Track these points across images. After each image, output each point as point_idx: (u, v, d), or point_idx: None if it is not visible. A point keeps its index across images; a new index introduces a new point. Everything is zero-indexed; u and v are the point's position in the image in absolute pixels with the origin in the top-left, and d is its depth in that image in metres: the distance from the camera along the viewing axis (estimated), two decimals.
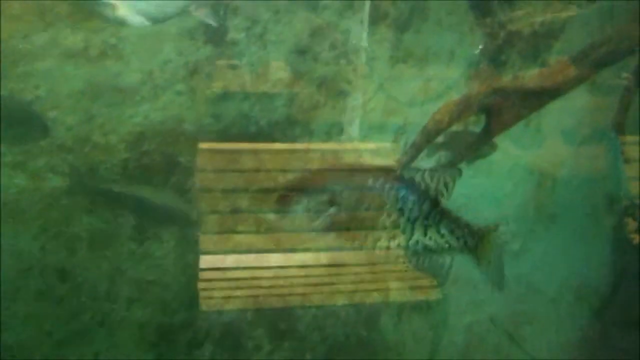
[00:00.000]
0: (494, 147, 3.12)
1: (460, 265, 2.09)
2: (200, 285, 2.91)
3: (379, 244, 2.11)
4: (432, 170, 2.12)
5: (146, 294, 3.27)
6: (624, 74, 3.37)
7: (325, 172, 2.27)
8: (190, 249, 3.23)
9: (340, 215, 2.16)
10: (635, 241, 3.45)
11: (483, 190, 3.46)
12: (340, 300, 3.16)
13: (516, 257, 3.58)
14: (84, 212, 3.13)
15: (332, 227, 2.17)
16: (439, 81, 3.37)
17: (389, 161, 2.68)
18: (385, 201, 2.12)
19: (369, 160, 2.95)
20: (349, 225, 2.17)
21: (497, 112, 2.58)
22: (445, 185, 2.09)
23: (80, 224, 3.14)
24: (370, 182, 2.14)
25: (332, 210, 2.16)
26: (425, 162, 2.72)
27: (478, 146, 2.74)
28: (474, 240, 2.10)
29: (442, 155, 2.92)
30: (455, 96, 2.56)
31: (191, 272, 3.24)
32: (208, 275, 2.98)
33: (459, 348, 3.69)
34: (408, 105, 3.37)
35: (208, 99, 3.15)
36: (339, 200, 2.16)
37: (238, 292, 2.95)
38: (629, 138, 3.45)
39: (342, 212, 2.15)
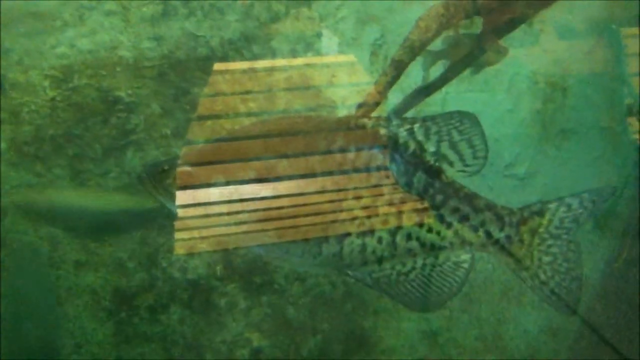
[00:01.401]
0: (504, 52, 2.84)
1: None
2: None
3: (347, 241, 1.61)
4: (428, 121, 1.61)
5: (96, 255, 3.11)
6: None
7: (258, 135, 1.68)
8: (144, 197, 3.03)
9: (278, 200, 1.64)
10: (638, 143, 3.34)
11: (479, 107, 3.22)
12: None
13: (522, 183, 3.38)
14: (9, 166, 2.95)
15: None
16: None
17: (363, 78, 2.32)
18: (349, 176, 1.60)
19: (344, 78, 2.67)
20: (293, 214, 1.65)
21: (496, 13, 2.32)
22: (454, 146, 1.59)
23: (7, 180, 2.96)
24: (325, 146, 1.60)
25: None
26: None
27: (474, 56, 2.47)
28: (504, 232, 1.61)
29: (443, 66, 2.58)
30: None
31: (147, 225, 3.11)
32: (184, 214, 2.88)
33: (461, 290, 3.52)
34: (386, 13, 3.13)
35: (145, 17, 2.94)
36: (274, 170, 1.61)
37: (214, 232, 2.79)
38: (631, 30, 3.26)
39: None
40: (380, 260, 1.63)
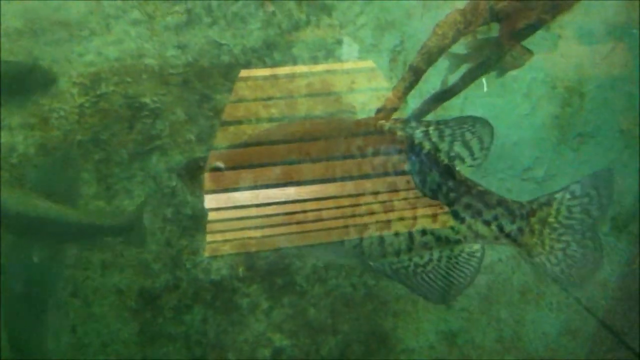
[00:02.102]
0: (529, 55, 2.84)
1: None
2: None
3: (365, 234, 1.68)
4: (442, 124, 1.67)
5: (121, 257, 3.14)
6: None
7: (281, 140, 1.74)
8: (167, 202, 3.07)
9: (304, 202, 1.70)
10: None
11: (496, 111, 3.23)
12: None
13: (540, 185, 3.37)
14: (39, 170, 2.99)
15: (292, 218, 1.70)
16: None
17: (383, 84, 2.34)
18: (367, 175, 1.67)
19: (364, 84, 2.69)
20: (322, 216, 1.71)
21: (513, 18, 2.33)
22: (466, 144, 1.66)
23: (36, 185, 2.99)
24: (344, 148, 1.67)
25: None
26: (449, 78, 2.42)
27: (491, 61, 2.48)
28: (515, 224, 1.69)
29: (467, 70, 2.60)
30: (461, 4, 2.28)
31: (171, 228, 3.13)
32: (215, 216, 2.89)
33: (480, 291, 3.51)
34: (405, 19, 3.12)
35: (169, 26, 2.97)
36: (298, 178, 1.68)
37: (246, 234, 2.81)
38: None
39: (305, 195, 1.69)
40: (398, 253, 1.70)
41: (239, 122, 2.66)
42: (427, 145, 1.66)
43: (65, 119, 2.92)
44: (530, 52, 2.84)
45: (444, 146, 1.65)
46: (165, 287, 3.19)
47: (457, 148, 1.65)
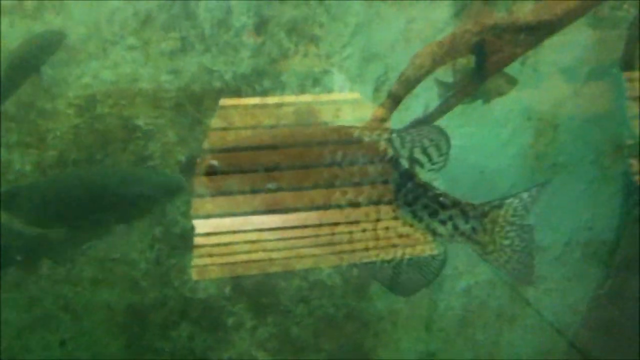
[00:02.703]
0: (513, 82, 2.95)
1: None
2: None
3: (337, 229, 1.83)
4: (403, 132, 1.81)
5: (111, 273, 3.17)
6: (625, 5, 3.24)
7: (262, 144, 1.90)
8: (157, 221, 3.11)
9: (283, 193, 1.84)
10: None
11: (476, 141, 3.32)
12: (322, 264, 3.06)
13: None
14: None
15: (274, 206, 1.85)
16: (423, 22, 3.20)
17: (367, 113, 2.46)
18: (338, 177, 1.82)
19: (348, 114, 2.78)
20: (295, 205, 1.85)
21: (489, 52, 2.46)
22: (424, 151, 1.80)
23: None
24: (318, 152, 1.83)
25: (270, 186, 1.85)
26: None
27: (468, 92, 2.59)
28: (470, 224, 1.82)
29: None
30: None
31: (159, 246, 3.18)
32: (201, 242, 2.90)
33: (457, 314, 3.56)
34: (389, 51, 3.21)
35: (164, 52, 3.02)
36: (279, 177, 1.83)
37: (232, 259, 2.84)
38: (633, 74, 3.28)
39: (285, 189, 1.83)
40: (366, 249, 1.83)
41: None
42: (390, 152, 1.79)
43: (61, 139, 2.97)
44: (514, 81, 2.97)
45: (404, 152, 1.79)
46: (154, 303, 3.22)
47: (417, 154, 1.78)
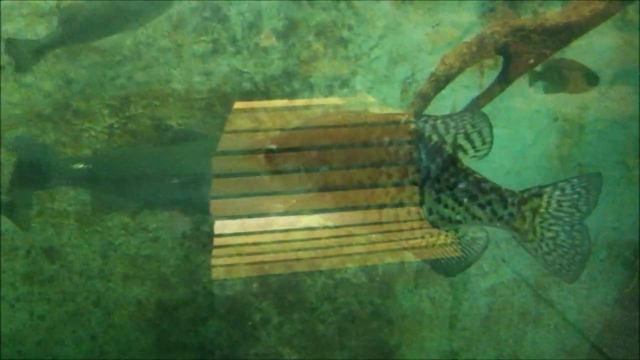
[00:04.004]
0: (594, 82, 3.05)
1: None
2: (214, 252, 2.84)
3: (384, 211, 1.88)
4: (447, 118, 1.86)
5: (142, 270, 3.21)
6: None
7: (315, 127, 1.96)
8: (187, 220, 3.13)
9: (333, 175, 1.90)
10: None
11: (502, 141, 3.23)
12: (351, 264, 3.08)
13: None
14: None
15: (325, 188, 1.91)
16: (449, 25, 3.21)
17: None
18: (385, 159, 1.86)
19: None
20: (344, 186, 1.91)
21: (516, 53, 2.48)
22: (467, 137, 1.83)
23: (66, 199, 3.06)
24: (367, 136, 1.88)
25: (323, 168, 1.91)
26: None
27: (495, 92, 2.61)
28: (507, 210, 1.85)
29: None
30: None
31: (189, 244, 3.21)
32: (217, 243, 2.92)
33: (481, 313, 3.57)
34: (416, 53, 3.22)
35: (196, 55, 3.03)
36: (330, 158, 1.89)
37: (249, 259, 2.88)
38: None
39: (335, 170, 1.89)
40: (411, 229, 1.88)
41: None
42: (434, 138, 1.83)
43: (95, 138, 3.00)
44: (595, 80, 2.97)
45: (448, 138, 1.82)
46: (182, 300, 3.25)
47: (460, 140, 1.81)
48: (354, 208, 1.88)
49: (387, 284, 3.42)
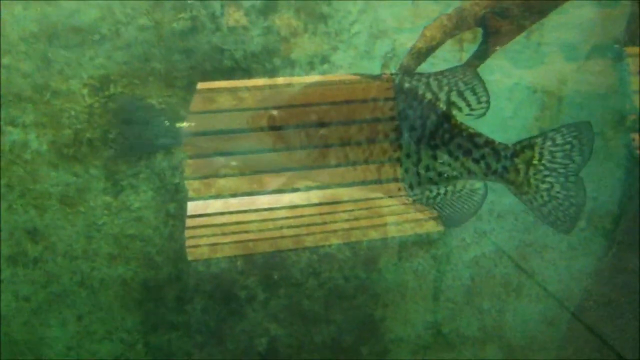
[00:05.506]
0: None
1: None
2: (187, 233, 2.85)
3: (382, 171, 1.88)
4: (440, 75, 1.85)
5: (127, 249, 3.19)
6: None
7: (310, 89, 1.96)
8: (170, 198, 3.14)
9: (330, 140, 1.90)
10: None
11: None
12: (335, 240, 3.08)
13: None
14: (50, 167, 3.01)
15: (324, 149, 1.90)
16: (429, 0, 3.18)
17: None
18: (380, 118, 1.86)
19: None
20: (341, 144, 1.91)
21: (495, 26, 2.46)
22: (461, 94, 1.82)
23: (47, 180, 3.03)
24: (363, 95, 1.87)
25: (322, 132, 1.90)
26: None
27: (475, 65, 2.60)
28: (501, 163, 1.85)
29: None
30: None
31: (174, 222, 3.20)
32: (194, 223, 2.95)
33: (464, 284, 3.61)
34: (397, 28, 3.21)
35: (175, 33, 2.99)
36: (328, 119, 1.88)
37: (226, 239, 2.88)
38: (634, 50, 3.29)
39: (332, 135, 1.89)
40: (411, 187, 1.88)
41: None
42: (428, 95, 1.82)
43: (76, 118, 2.97)
44: None
45: (442, 95, 1.82)
46: (168, 278, 3.25)
47: (454, 97, 1.81)
48: (353, 164, 1.89)
49: (371, 258, 3.43)
